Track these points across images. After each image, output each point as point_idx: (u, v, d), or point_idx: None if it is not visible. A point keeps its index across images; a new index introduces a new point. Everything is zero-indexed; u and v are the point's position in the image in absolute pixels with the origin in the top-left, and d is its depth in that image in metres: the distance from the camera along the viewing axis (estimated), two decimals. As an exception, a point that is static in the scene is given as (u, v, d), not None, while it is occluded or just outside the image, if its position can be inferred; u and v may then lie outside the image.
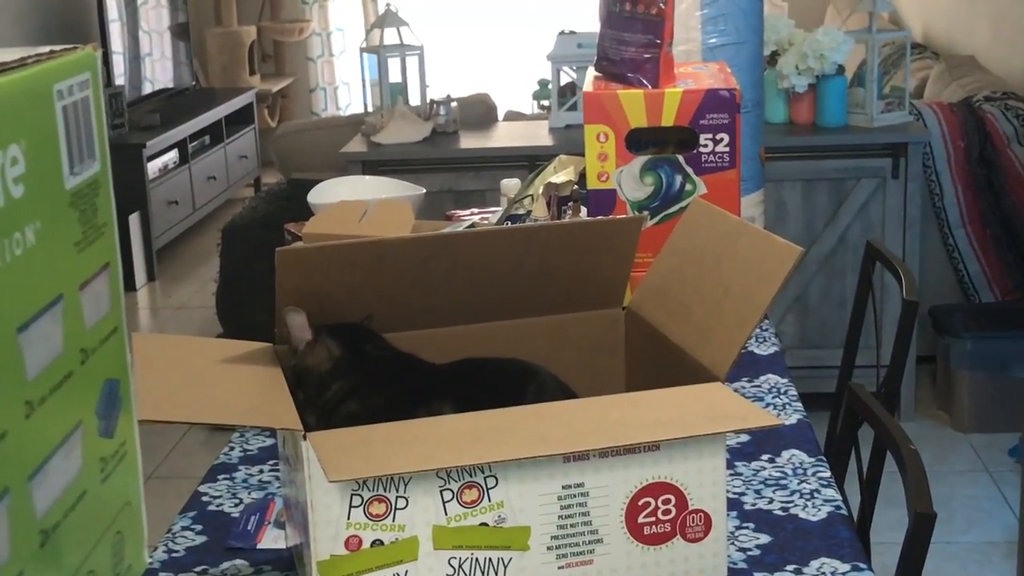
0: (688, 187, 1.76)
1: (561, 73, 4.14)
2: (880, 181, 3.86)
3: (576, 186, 1.96)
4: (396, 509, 1.22)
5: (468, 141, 4.10)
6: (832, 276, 3.95)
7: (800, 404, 1.90)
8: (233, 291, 4.41)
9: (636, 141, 1.79)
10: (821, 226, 3.92)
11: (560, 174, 1.78)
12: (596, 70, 1.91)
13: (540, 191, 1.76)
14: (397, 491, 1.22)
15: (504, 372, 1.44)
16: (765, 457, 1.72)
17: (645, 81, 1.81)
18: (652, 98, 1.74)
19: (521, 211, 1.79)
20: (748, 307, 1.34)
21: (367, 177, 2.49)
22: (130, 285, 5.72)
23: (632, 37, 1.81)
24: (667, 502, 1.29)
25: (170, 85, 6.81)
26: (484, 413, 1.27)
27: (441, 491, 1.23)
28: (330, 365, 1.42)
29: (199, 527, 1.59)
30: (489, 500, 1.24)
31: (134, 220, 5.72)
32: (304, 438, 1.21)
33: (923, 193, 3.96)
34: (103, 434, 0.65)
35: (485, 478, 1.23)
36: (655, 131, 1.77)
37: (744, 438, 1.78)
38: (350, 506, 1.22)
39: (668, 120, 1.74)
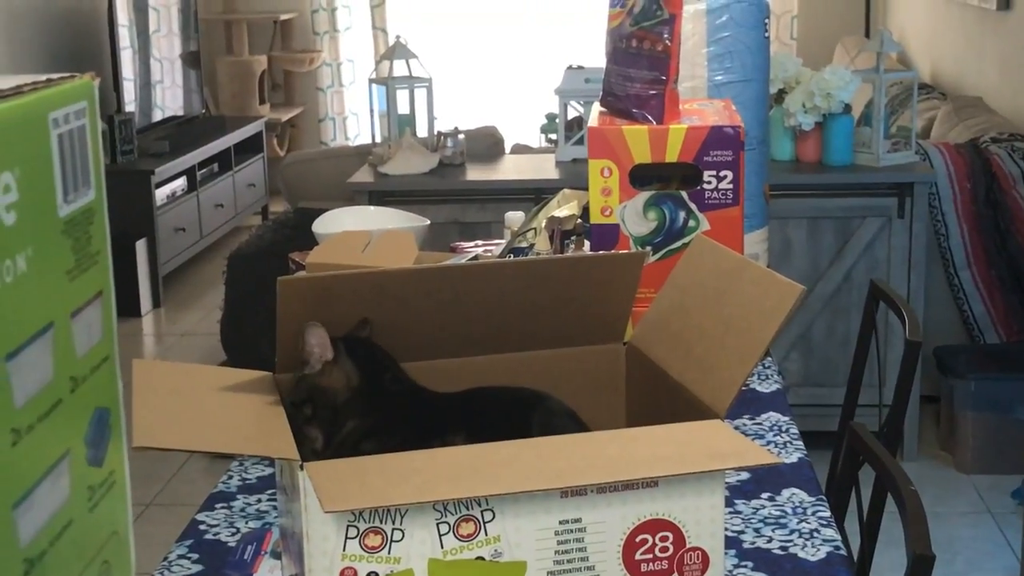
0: (691, 223, 1.75)
1: (568, 107, 4.15)
2: (886, 220, 3.86)
3: (580, 220, 1.96)
4: (392, 541, 1.22)
5: (474, 173, 4.11)
6: (836, 315, 3.94)
7: (801, 442, 1.89)
8: (238, 319, 4.41)
9: (640, 177, 1.79)
10: (826, 264, 3.92)
11: (563, 208, 1.78)
12: (601, 105, 1.92)
13: (543, 225, 1.76)
14: (393, 523, 1.21)
15: (514, 401, 1.44)
16: (765, 495, 1.71)
17: (650, 117, 1.81)
18: (656, 134, 1.74)
19: (524, 244, 1.78)
20: (749, 344, 1.34)
21: (372, 207, 2.49)
22: (135, 311, 5.72)
23: (637, 73, 1.82)
24: (665, 539, 1.28)
25: (180, 113, 6.83)
26: (483, 446, 1.26)
27: (438, 524, 1.22)
28: (348, 395, 1.41)
29: (195, 555, 1.59)
30: (486, 534, 1.23)
31: (141, 246, 5.73)
32: (301, 468, 1.20)
33: (929, 233, 3.96)
34: (92, 463, 0.65)
35: (482, 511, 1.22)
36: (659, 167, 1.77)
37: (744, 476, 1.77)
38: (346, 537, 1.21)
39: (672, 156, 1.74)
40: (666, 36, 1.78)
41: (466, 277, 1.43)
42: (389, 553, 1.21)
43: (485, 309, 1.47)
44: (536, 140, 5.71)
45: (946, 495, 3.74)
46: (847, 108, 3.84)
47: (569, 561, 1.26)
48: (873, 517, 1.97)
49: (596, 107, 1.93)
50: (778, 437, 1.91)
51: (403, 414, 1.42)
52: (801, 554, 1.55)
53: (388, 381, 1.44)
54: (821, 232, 3.90)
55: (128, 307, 5.71)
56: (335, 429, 1.41)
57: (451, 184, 4.02)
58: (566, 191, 1.84)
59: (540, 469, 1.22)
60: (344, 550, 1.21)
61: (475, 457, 1.24)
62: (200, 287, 6.19)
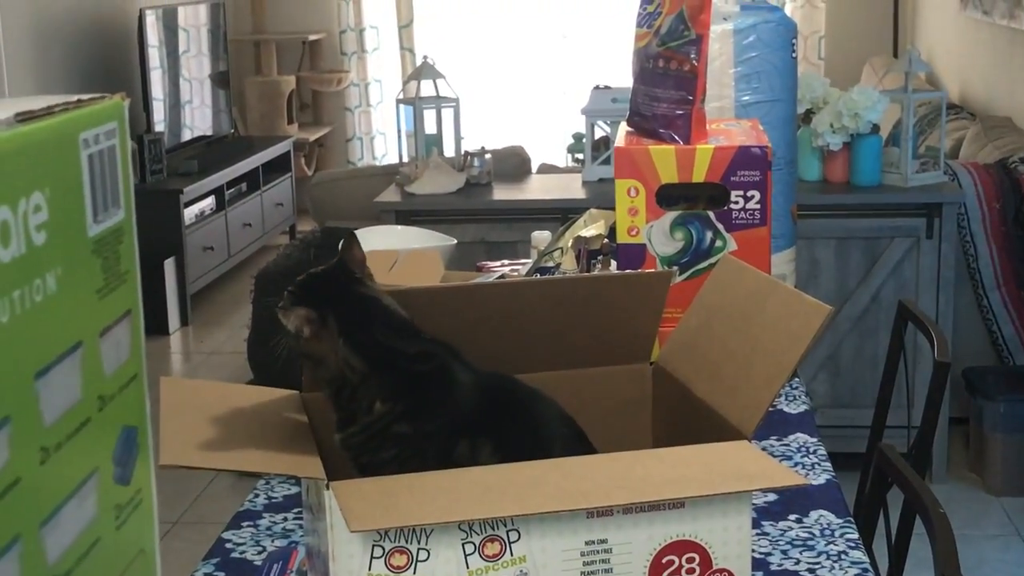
0: (718, 243, 1.75)
1: (595, 127, 4.16)
2: (914, 241, 3.84)
3: (607, 240, 1.96)
4: (417, 561, 1.21)
5: (501, 193, 4.11)
6: (865, 336, 3.92)
7: (829, 464, 1.88)
8: (264, 338, 4.42)
9: (667, 197, 1.78)
10: (854, 285, 3.90)
11: (590, 228, 1.78)
12: (628, 125, 1.92)
13: (570, 244, 1.76)
14: (419, 543, 1.21)
15: (542, 420, 1.43)
16: (792, 517, 1.70)
17: (677, 137, 1.81)
18: (683, 154, 1.74)
19: (551, 264, 1.79)
20: (776, 365, 1.33)
21: (399, 227, 2.50)
22: (163, 330, 5.74)
23: (664, 93, 1.82)
24: (691, 560, 1.27)
25: (209, 133, 6.88)
26: (509, 466, 1.26)
27: (463, 544, 1.22)
28: (358, 379, 1.37)
29: (222, 574, 1.59)
30: (511, 554, 1.23)
31: (169, 265, 5.76)
32: (327, 487, 1.21)
33: (957, 254, 3.94)
34: (119, 481, 0.65)
35: (507, 532, 1.22)
36: (686, 187, 1.77)
37: (771, 497, 1.76)
38: (371, 557, 1.21)
39: (699, 176, 1.74)
40: (693, 56, 1.78)
41: (491, 296, 1.43)
42: (415, 573, 1.21)
43: (511, 328, 1.47)
44: (563, 160, 5.72)
45: (975, 517, 3.71)
46: (875, 128, 3.83)
47: (595, 582, 1.25)
48: (902, 539, 1.96)
49: (623, 127, 1.93)
50: (806, 459, 1.90)
51: (434, 398, 1.38)
52: (829, 576, 1.54)
53: (404, 362, 1.38)
54: (849, 253, 3.88)
55: (156, 325, 5.73)
56: (359, 407, 1.38)
57: (478, 204, 4.02)
58: (593, 211, 1.84)
59: (566, 489, 1.22)
60: (370, 569, 1.21)
61: (501, 477, 1.24)
62: (228, 306, 6.21)
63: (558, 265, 1.79)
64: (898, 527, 1.96)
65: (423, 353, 1.40)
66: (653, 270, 1.71)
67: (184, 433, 1.26)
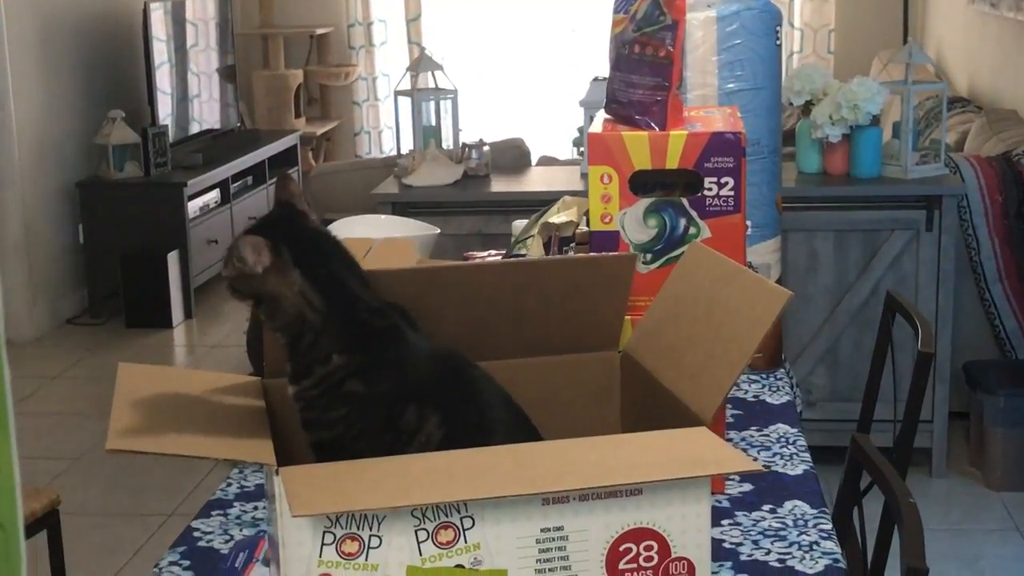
0: (692, 230, 1.73)
1: (593, 119, 4.13)
2: (914, 233, 3.82)
3: (586, 227, 1.94)
4: (369, 548, 1.20)
5: (499, 184, 4.10)
6: (864, 329, 3.89)
7: (808, 455, 1.86)
8: (263, 330, 4.41)
9: (640, 183, 1.77)
10: (853, 278, 3.88)
11: (562, 214, 1.76)
12: (606, 112, 1.90)
13: (536, 231, 1.75)
14: (371, 529, 1.20)
15: (489, 403, 1.40)
16: (766, 507, 1.69)
17: (653, 123, 1.79)
18: (656, 140, 1.73)
19: (524, 251, 1.77)
20: (736, 351, 1.32)
21: (383, 216, 2.49)
22: (167, 322, 5.75)
23: (640, 80, 1.80)
24: (649, 548, 1.26)
25: (216, 126, 6.87)
26: (461, 452, 1.25)
27: (416, 531, 1.20)
28: (317, 319, 1.34)
29: (187, 563, 1.58)
30: (465, 541, 1.21)
31: (172, 258, 5.76)
32: (276, 472, 1.19)
33: (958, 247, 3.91)
34: (-32, 451, 0.64)
35: (461, 518, 1.21)
36: (660, 173, 1.75)
37: (746, 487, 1.74)
38: (322, 543, 1.19)
39: (672, 163, 1.72)
40: (668, 42, 1.76)
41: (453, 279, 1.42)
42: (366, 560, 1.20)
43: (475, 314, 1.46)
44: (569, 153, 5.70)
45: (975, 512, 3.68)
46: (875, 120, 3.80)
47: (551, 570, 1.24)
48: (885, 530, 1.94)
49: (600, 114, 1.91)
50: (785, 449, 1.88)
51: (389, 357, 1.35)
52: (799, 567, 1.53)
53: (364, 312, 1.36)
54: (848, 245, 3.86)
55: (160, 318, 5.74)
56: (315, 357, 1.35)
57: (475, 195, 4.01)
58: (566, 198, 1.82)
59: (518, 475, 1.21)
60: (321, 556, 1.19)
61: (452, 462, 1.23)
62: (231, 299, 6.20)
63: (526, 254, 1.77)
64: (881, 518, 1.94)
65: (380, 309, 1.37)
66: (616, 253, 1.70)
67: (136, 418, 1.25)
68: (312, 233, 1.38)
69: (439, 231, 2.24)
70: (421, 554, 1.21)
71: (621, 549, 1.25)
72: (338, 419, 1.34)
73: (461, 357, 1.40)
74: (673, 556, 1.26)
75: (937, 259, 3.81)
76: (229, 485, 1.80)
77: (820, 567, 1.52)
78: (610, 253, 1.63)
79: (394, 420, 1.33)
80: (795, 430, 1.96)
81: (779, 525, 1.64)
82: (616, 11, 1.86)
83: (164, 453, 1.16)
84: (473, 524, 1.21)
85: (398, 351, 1.36)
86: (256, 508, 1.73)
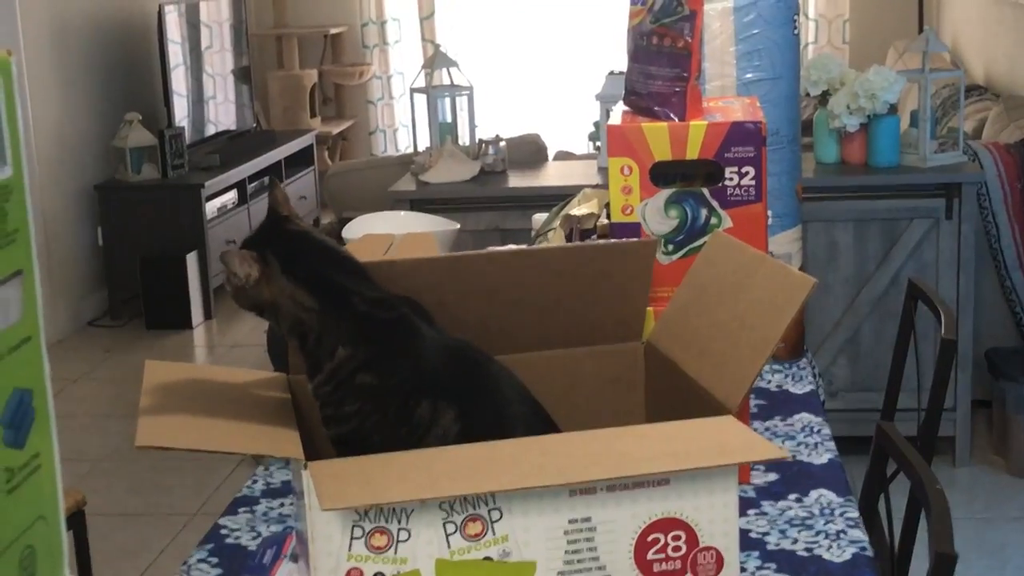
0: (713, 221, 1.73)
1: (610, 113, 4.13)
2: (933, 222, 3.80)
3: (607, 219, 1.94)
4: (398, 541, 1.20)
5: (516, 180, 4.10)
6: (884, 318, 3.88)
7: (833, 444, 1.86)
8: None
9: (663, 175, 1.77)
10: (873, 267, 3.87)
11: (583, 207, 1.76)
12: (625, 104, 1.90)
13: (558, 223, 1.75)
14: (399, 523, 1.20)
15: (507, 397, 1.40)
16: (792, 497, 1.68)
17: (672, 114, 1.79)
18: (676, 131, 1.72)
19: (545, 244, 1.77)
20: (761, 339, 1.32)
21: (402, 212, 2.49)
22: (187, 323, 5.77)
23: (659, 71, 1.80)
24: (677, 538, 1.26)
25: (232, 127, 6.89)
26: (487, 444, 1.25)
27: (444, 523, 1.20)
28: (310, 316, 1.35)
29: (215, 559, 1.59)
30: (494, 534, 1.21)
31: (191, 259, 5.78)
32: (305, 467, 1.20)
33: (978, 234, 3.89)
34: (10, 444, 0.64)
35: (489, 511, 1.21)
36: (681, 164, 1.75)
37: (772, 477, 1.74)
38: (351, 538, 1.20)
39: (693, 153, 1.72)
40: (687, 33, 1.76)
41: (473, 267, 1.41)
42: (395, 553, 1.20)
43: (498, 304, 1.46)
44: (586, 148, 5.70)
45: (997, 500, 3.67)
46: (892, 109, 3.79)
47: (580, 561, 1.24)
48: (911, 517, 1.93)
49: (619, 106, 1.91)
50: (809, 438, 1.88)
51: (398, 347, 1.35)
52: (826, 555, 1.52)
53: (362, 304, 1.36)
54: (868, 234, 3.85)
55: (180, 319, 5.76)
56: (323, 354, 1.35)
57: (492, 191, 4.01)
58: (587, 190, 1.82)
59: (545, 466, 1.21)
60: (350, 550, 1.20)
61: (479, 454, 1.23)
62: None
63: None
64: (907, 506, 1.94)
65: (383, 300, 1.37)
66: (636, 239, 1.69)
67: (163, 414, 1.26)
68: (294, 235, 1.39)
69: (459, 227, 2.24)
70: (450, 547, 1.21)
71: (649, 539, 1.24)
72: (352, 413, 1.34)
73: (476, 350, 1.40)
74: (701, 546, 1.26)
75: (957, 247, 3.80)
76: (255, 482, 1.81)
77: (847, 555, 1.52)
78: (630, 240, 1.63)
79: (408, 413, 1.33)
80: (819, 419, 1.95)
81: (805, 514, 1.63)
82: (634, 3, 1.86)
83: (192, 448, 1.16)
84: (501, 516, 1.21)
85: (407, 341, 1.36)
86: (283, 504, 1.73)
